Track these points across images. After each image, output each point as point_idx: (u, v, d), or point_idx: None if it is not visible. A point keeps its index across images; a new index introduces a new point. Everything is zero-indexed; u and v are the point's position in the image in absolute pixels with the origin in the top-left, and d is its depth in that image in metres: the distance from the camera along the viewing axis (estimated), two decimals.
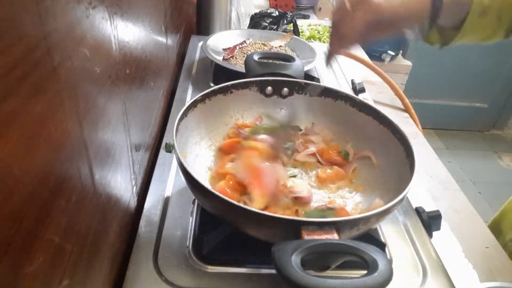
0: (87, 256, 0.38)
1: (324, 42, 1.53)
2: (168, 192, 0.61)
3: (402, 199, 0.46)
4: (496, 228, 0.79)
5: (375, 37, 0.53)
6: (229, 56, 1.03)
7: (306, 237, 0.40)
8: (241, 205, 0.43)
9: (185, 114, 0.58)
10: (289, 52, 1.09)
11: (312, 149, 0.65)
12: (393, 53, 2.05)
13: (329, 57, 0.57)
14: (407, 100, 1.21)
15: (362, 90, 1.04)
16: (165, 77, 0.84)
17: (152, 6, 0.67)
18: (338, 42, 0.53)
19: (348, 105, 0.67)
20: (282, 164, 0.62)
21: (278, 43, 1.12)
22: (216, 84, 0.78)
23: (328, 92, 0.68)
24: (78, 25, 0.34)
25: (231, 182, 0.56)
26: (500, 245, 0.71)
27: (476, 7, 0.57)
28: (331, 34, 0.54)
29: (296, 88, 0.70)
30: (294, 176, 0.62)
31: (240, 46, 1.08)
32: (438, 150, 1.29)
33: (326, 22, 1.73)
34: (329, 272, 0.42)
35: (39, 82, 0.27)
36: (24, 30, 0.25)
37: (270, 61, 0.79)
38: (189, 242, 0.53)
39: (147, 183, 0.63)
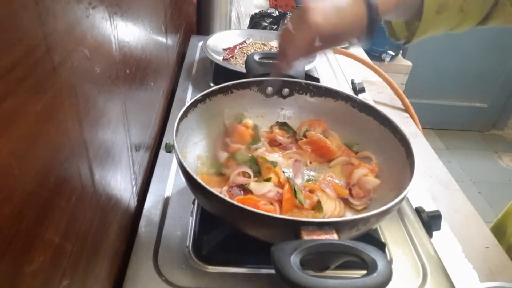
0: (87, 256, 0.38)
1: None
2: (168, 192, 0.61)
3: (402, 199, 0.46)
4: (499, 230, 0.79)
5: (318, 51, 0.57)
6: (229, 56, 1.03)
7: (306, 237, 0.40)
8: (241, 205, 0.43)
9: (185, 114, 0.58)
10: None
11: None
12: (393, 53, 2.05)
13: (277, 74, 0.60)
14: (407, 100, 1.21)
15: (362, 90, 1.04)
16: (165, 77, 0.84)
17: (152, 6, 0.67)
18: (283, 61, 0.57)
19: (348, 105, 0.67)
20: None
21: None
22: (216, 84, 0.78)
23: (328, 92, 0.68)
24: (78, 25, 0.34)
25: None
26: (503, 247, 0.71)
27: (429, 6, 0.59)
28: (277, 54, 0.57)
29: (297, 88, 0.70)
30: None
31: (240, 46, 1.08)
32: (438, 150, 1.29)
33: None
34: (328, 272, 0.42)
35: (39, 82, 0.27)
36: (24, 30, 0.25)
37: (271, 61, 0.79)
38: (189, 242, 0.53)
39: (147, 183, 0.63)
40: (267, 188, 0.54)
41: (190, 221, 0.57)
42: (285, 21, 0.59)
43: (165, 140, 0.72)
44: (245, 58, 0.92)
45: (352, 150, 0.66)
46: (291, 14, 0.57)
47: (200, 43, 1.12)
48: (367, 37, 0.55)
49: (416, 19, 0.61)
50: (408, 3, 0.59)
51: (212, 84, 0.95)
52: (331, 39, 0.54)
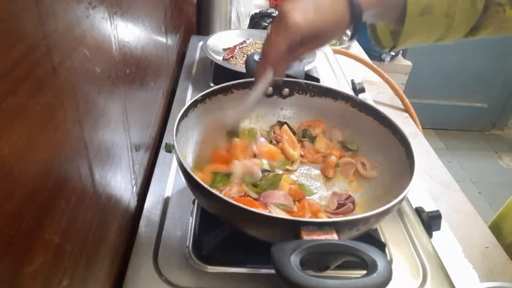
0: (87, 256, 0.38)
1: None
2: (168, 192, 0.61)
3: (402, 199, 0.46)
4: (495, 230, 0.79)
5: (302, 53, 0.56)
6: (229, 56, 1.03)
7: (306, 237, 0.40)
8: (241, 205, 0.43)
9: (185, 114, 0.58)
10: None
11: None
12: (393, 53, 2.05)
13: (256, 80, 0.58)
14: (407, 100, 1.21)
15: (362, 90, 1.04)
16: (165, 77, 0.84)
17: (152, 6, 0.67)
18: (263, 65, 0.55)
19: (348, 105, 0.67)
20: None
21: None
22: (216, 84, 0.78)
23: (328, 92, 0.68)
24: (78, 25, 0.34)
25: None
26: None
27: (413, 7, 0.57)
28: (260, 60, 0.56)
29: (297, 88, 0.70)
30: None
31: (240, 46, 1.08)
32: (438, 150, 1.29)
33: None
34: (328, 272, 0.42)
35: (39, 82, 0.27)
36: (24, 30, 0.25)
37: None
38: (189, 242, 0.53)
39: (147, 183, 0.63)
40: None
41: (190, 221, 0.57)
42: (269, 26, 0.58)
43: (165, 140, 0.72)
44: (245, 58, 0.92)
45: (349, 149, 0.66)
46: (273, 18, 0.56)
47: (200, 43, 1.12)
48: (353, 34, 0.55)
49: (400, 23, 0.60)
50: (390, 4, 0.58)
51: (212, 84, 0.95)
52: (314, 39, 0.53)
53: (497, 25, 0.61)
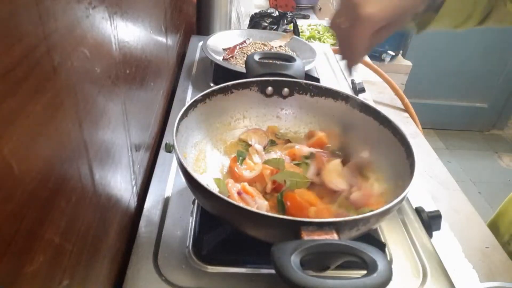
0: (87, 256, 0.38)
1: (324, 42, 1.54)
2: (168, 192, 0.61)
3: (402, 199, 0.46)
4: (493, 228, 0.79)
5: (379, 40, 0.54)
6: (229, 56, 1.03)
7: (306, 237, 0.40)
8: (241, 205, 0.43)
9: (185, 114, 0.58)
10: (289, 52, 1.09)
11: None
12: (393, 53, 2.05)
13: (349, 68, 0.57)
14: (407, 100, 1.21)
15: (362, 90, 1.04)
16: (165, 77, 0.84)
17: (152, 6, 0.67)
18: (351, 58, 0.54)
19: (348, 105, 0.67)
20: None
21: (278, 43, 1.12)
22: (216, 84, 0.78)
23: (328, 92, 0.68)
24: (78, 25, 0.34)
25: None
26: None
27: None
28: (342, 51, 0.54)
29: (297, 88, 0.70)
30: None
31: (240, 46, 1.08)
32: (438, 150, 1.29)
33: (326, 22, 1.73)
34: (328, 272, 0.42)
35: (39, 82, 0.27)
36: (24, 30, 0.25)
37: (271, 61, 0.79)
38: (189, 242, 0.53)
39: (147, 183, 0.63)
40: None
41: (190, 221, 0.57)
42: (331, 20, 0.54)
43: (165, 140, 0.72)
44: (245, 58, 0.92)
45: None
46: (337, 10, 0.52)
47: (200, 43, 1.12)
48: (430, 8, 0.52)
49: (433, 9, 0.59)
50: None
51: (212, 84, 0.95)
52: (390, 25, 0.50)
53: (497, 17, 0.62)
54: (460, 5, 0.59)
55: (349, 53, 0.53)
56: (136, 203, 0.59)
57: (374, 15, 0.48)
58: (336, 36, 0.53)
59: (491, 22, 0.63)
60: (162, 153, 0.70)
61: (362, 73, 1.32)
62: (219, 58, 1.00)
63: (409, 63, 2.16)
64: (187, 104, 0.59)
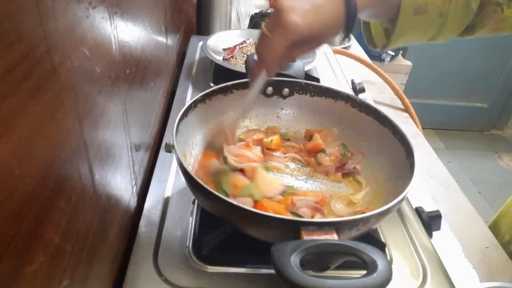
0: (87, 256, 0.38)
1: None
2: (168, 192, 0.61)
3: (402, 199, 0.46)
4: (494, 228, 0.79)
5: (298, 55, 0.54)
6: (229, 56, 1.03)
7: (306, 237, 0.40)
8: (241, 205, 0.43)
9: (185, 114, 0.58)
10: None
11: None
12: (393, 53, 2.05)
13: (252, 80, 0.56)
14: (407, 100, 1.21)
15: (362, 90, 1.04)
16: (165, 77, 0.84)
17: (152, 6, 0.67)
18: (260, 66, 0.53)
19: (348, 105, 0.67)
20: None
21: None
22: (216, 84, 0.78)
23: (328, 92, 0.68)
24: (78, 25, 0.34)
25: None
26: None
27: (407, 7, 0.56)
28: (257, 54, 0.54)
29: (297, 88, 0.70)
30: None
31: (240, 46, 1.08)
32: (438, 150, 1.29)
33: None
34: (328, 272, 0.42)
35: (39, 82, 0.27)
36: (24, 30, 0.25)
37: None
38: (189, 242, 0.53)
39: (147, 183, 0.63)
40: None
41: (190, 221, 0.57)
42: (262, 24, 0.54)
43: (165, 140, 0.72)
44: (245, 58, 0.92)
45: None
46: (270, 15, 0.52)
47: (200, 43, 1.12)
48: (345, 35, 0.53)
49: (394, 22, 0.59)
50: (386, 1, 0.57)
51: (212, 84, 0.95)
52: (311, 40, 0.51)
53: (494, 24, 0.61)
54: (423, 20, 0.58)
55: (260, 63, 0.53)
56: (136, 203, 0.59)
57: (297, 25, 0.47)
58: (258, 38, 0.52)
59: (484, 31, 0.62)
60: (162, 153, 0.70)
61: (362, 73, 1.32)
62: (219, 58, 1.00)
63: (409, 63, 2.16)
64: (187, 104, 0.59)
